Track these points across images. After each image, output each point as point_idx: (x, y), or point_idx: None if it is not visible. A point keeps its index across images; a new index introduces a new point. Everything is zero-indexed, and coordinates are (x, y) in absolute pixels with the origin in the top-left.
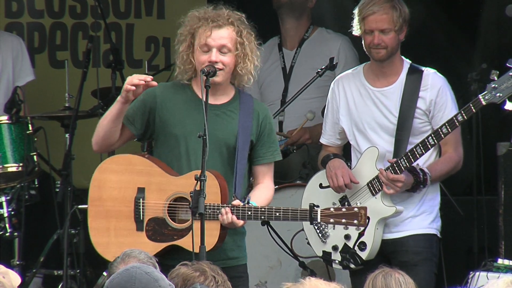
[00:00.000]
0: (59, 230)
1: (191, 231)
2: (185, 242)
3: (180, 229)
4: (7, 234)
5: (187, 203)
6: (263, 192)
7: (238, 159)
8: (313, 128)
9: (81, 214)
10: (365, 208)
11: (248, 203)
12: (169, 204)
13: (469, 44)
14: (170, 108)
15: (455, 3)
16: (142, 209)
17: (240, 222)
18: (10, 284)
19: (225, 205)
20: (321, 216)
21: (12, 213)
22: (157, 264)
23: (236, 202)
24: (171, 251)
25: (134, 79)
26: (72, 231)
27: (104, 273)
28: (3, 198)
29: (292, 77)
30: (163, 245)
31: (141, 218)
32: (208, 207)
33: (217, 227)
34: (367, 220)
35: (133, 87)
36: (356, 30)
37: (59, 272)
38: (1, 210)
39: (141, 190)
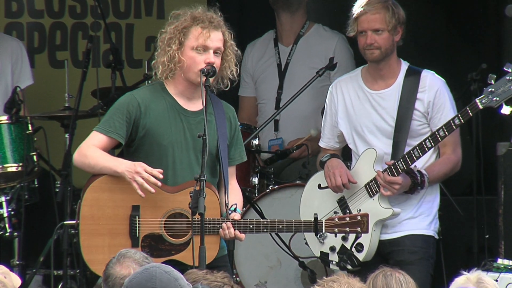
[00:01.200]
0: (59, 230)
1: (190, 244)
2: (183, 257)
3: (178, 244)
4: (7, 234)
5: (184, 219)
6: (238, 196)
7: (223, 165)
8: (313, 141)
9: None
10: (367, 215)
11: (235, 210)
12: (165, 220)
13: (469, 44)
14: (154, 118)
15: (455, 3)
16: (138, 226)
17: (243, 236)
18: (11, 284)
19: (225, 220)
20: (326, 227)
21: (12, 213)
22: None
23: (237, 216)
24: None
25: (145, 185)
26: (72, 231)
27: None
28: (3, 198)
29: (287, 74)
30: (160, 260)
31: (137, 235)
32: (208, 222)
33: (217, 240)
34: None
35: (142, 194)
36: (350, 31)
37: (59, 272)
38: (1, 210)
39: (135, 208)
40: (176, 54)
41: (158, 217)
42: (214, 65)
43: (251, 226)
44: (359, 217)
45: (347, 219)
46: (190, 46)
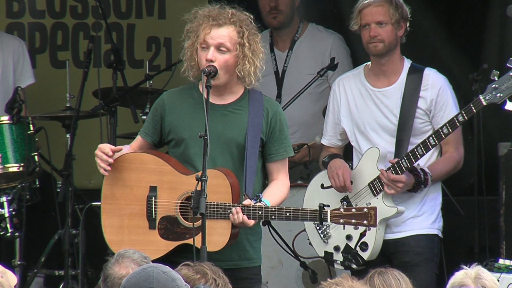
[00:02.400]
0: (60, 230)
1: (201, 230)
2: (197, 241)
3: (191, 227)
4: (8, 234)
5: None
6: (276, 189)
7: (248, 156)
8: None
9: (82, 214)
10: (374, 208)
11: (260, 201)
12: (181, 203)
13: (471, 44)
14: (178, 113)
15: (457, 3)
16: (155, 207)
17: (251, 222)
18: (8, 284)
19: (235, 204)
20: (331, 216)
21: (13, 213)
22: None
23: (247, 201)
24: (182, 249)
25: (102, 164)
26: (73, 231)
27: None
28: (4, 198)
29: (284, 83)
30: (175, 243)
31: (154, 217)
32: (219, 206)
33: (228, 226)
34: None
35: (105, 172)
36: (353, 25)
37: (60, 272)
38: (2, 210)
39: (153, 189)
40: (190, 53)
41: (174, 199)
42: (215, 63)
43: (259, 213)
44: (365, 210)
45: (353, 210)
46: (198, 43)
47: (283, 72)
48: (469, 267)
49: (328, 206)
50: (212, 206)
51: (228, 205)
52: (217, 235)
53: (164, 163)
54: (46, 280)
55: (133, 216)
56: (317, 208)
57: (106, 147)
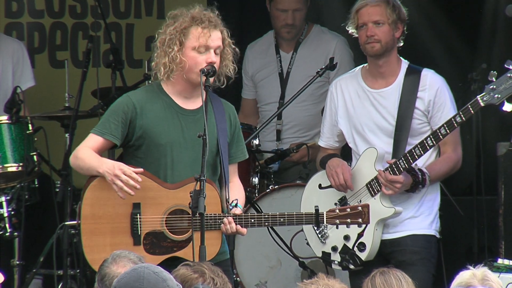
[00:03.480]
0: (59, 230)
1: (191, 241)
2: (185, 253)
3: (179, 240)
4: (7, 234)
5: (185, 215)
6: (240, 193)
7: (223, 162)
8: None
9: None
10: (367, 206)
11: (236, 206)
12: (167, 217)
13: (469, 44)
14: (151, 118)
15: (455, 3)
16: (140, 224)
17: (244, 231)
18: None
19: (226, 215)
20: (327, 218)
21: (12, 213)
22: None
23: (238, 211)
24: (170, 263)
25: (125, 188)
26: (72, 231)
27: None
28: (3, 198)
29: (288, 84)
30: (162, 257)
31: (139, 233)
32: (209, 217)
33: (219, 236)
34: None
35: (123, 195)
36: (350, 26)
37: (59, 272)
38: (1, 210)
39: (136, 206)
40: (178, 55)
41: (159, 214)
42: (215, 65)
43: (252, 220)
44: (360, 208)
45: (348, 210)
46: (191, 46)
47: (287, 74)
48: (474, 268)
49: (319, 212)
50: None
51: (219, 215)
52: (208, 246)
53: (146, 179)
54: (44, 280)
55: (116, 233)
56: (313, 210)
57: (129, 169)
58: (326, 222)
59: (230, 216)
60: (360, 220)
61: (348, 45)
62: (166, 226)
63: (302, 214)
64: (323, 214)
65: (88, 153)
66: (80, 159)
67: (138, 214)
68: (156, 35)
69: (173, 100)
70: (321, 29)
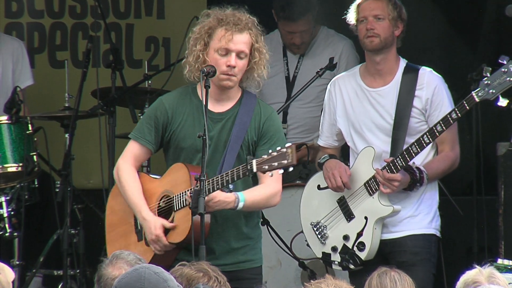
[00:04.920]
0: (59, 230)
1: (179, 224)
2: (171, 237)
3: (169, 228)
4: (7, 234)
5: (169, 198)
6: (259, 188)
7: (229, 148)
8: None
9: (80, 214)
10: (291, 146)
11: (230, 191)
12: (158, 205)
13: (469, 44)
14: (180, 122)
15: (455, 3)
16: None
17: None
18: (5, 280)
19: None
20: (256, 166)
21: (12, 213)
22: None
23: (218, 193)
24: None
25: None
26: (72, 231)
27: None
28: (3, 198)
29: (295, 88)
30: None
31: (139, 228)
32: (181, 195)
33: (189, 212)
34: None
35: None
36: (350, 18)
37: (59, 272)
38: (1, 210)
39: None
40: (201, 55)
41: (153, 204)
42: (236, 69)
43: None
44: (284, 150)
45: (274, 153)
46: (214, 47)
47: (294, 78)
48: (481, 267)
49: (248, 161)
50: (177, 197)
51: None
52: (182, 223)
53: (144, 175)
54: (44, 280)
55: (126, 235)
56: (312, 216)
57: (163, 240)
58: (256, 170)
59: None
60: (285, 162)
61: (354, 47)
62: (158, 214)
63: (235, 169)
64: (252, 162)
65: (131, 180)
66: (122, 185)
67: None
68: (190, 33)
69: (203, 102)
70: (328, 31)
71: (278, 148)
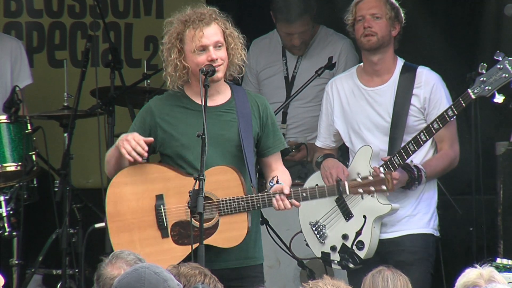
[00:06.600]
0: (58, 230)
1: (219, 226)
2: (214, 240)
3: (207, 228)
4: (6, 233)
5: (209, 201)
6: (285, 175)
7: (246, 151)
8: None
9: (79, 214)
10: (390, 173)
11: (277, 182)
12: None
13: (468, 43)
14: (171, 122)
15: (454, 3)
16: (164, 215)
17: (298, 203)
18: None
19: (248, 196)
20: (349, 187)
21: (11, 212)
22: None
23: (279, 187)
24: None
25: (133, 153)
26: (71, 231)
27: None
28: (1, 198)
29: (294, 88)
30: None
31: (165, 225)
32: (233, 200)
33: (245, 219)
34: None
35: (131, 158)
36: (348, 17)
37: (58, 272)
38: (0, 210)
39: (159, 197)
40: (178, 62)
41: (183, 203)
42: (219, 60)
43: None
44: (382, 175)
45: (371, 178)
46: (190, 50)
47: (293, 78)
48: (480, 267)
49: (340, 181)
50: (225, 202)
51: (242, 198)
52: (235, 230)
53: (166, 169)
54: (44, 279)
55: (143, 228)
56: (310, 215)
57: (139, 137)
58: (349, 192)
59: (278, 194)
60: (384, 187)
61: (354, 47)
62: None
63: (324, 187)
64: (344, 184)
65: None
66: (107, 156)
67: (162, 206)
68: (161, 46)
69: (194, 101)
70: (327, 30)
71: (376, 173)
